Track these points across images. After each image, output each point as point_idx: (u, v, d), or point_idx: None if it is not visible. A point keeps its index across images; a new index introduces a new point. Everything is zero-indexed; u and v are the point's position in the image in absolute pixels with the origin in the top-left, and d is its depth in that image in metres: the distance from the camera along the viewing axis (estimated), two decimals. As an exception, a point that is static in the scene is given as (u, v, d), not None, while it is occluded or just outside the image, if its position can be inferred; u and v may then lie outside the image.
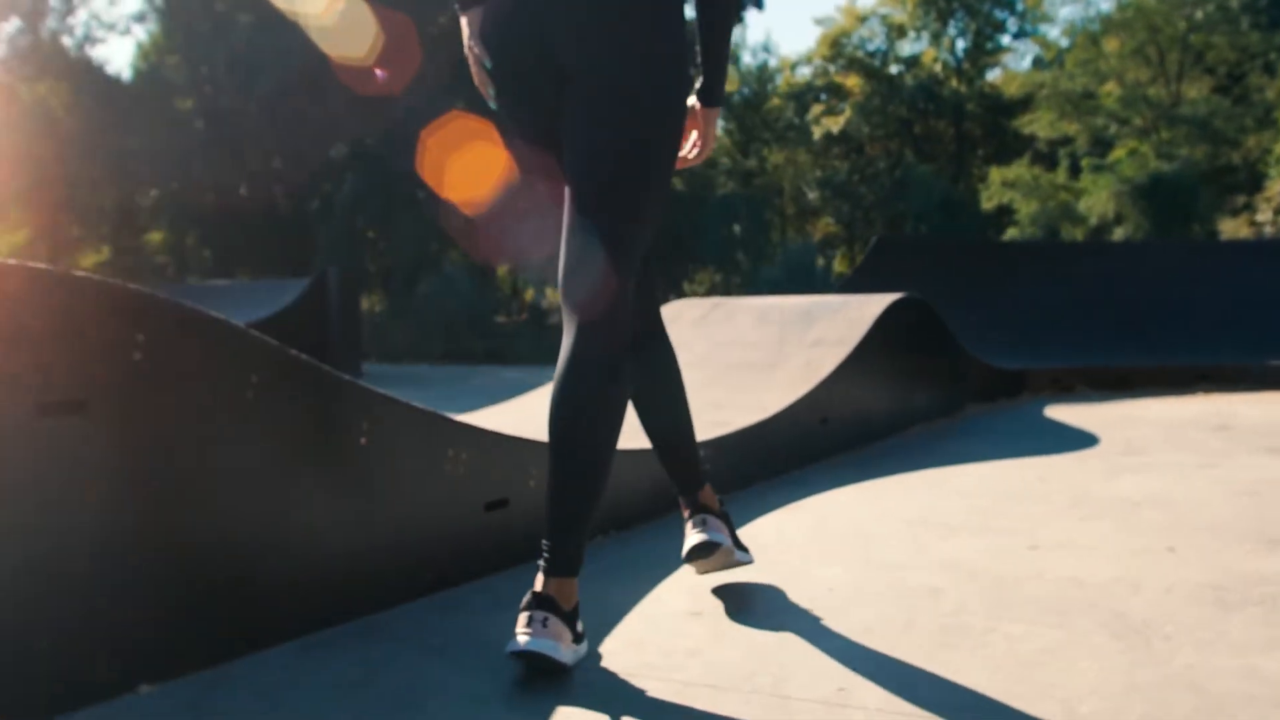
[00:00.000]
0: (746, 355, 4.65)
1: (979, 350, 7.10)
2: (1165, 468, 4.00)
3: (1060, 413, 6.03)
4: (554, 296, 24.77)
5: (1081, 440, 4.85)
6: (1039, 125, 29.74)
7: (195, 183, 29.34)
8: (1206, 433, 5.02)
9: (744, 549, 2.48)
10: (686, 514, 2.42)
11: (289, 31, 23.10)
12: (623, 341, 1.97)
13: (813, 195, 52.73)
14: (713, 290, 30.43)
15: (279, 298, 10.29)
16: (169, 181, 29.48)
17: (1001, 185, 31.63)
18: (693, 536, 2.35)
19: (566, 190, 2.02)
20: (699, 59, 2.19)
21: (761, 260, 24.21)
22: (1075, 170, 30.39)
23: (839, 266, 64.93)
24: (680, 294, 63.61)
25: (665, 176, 2.00)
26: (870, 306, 4.95)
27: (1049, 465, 4.18)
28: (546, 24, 1.95)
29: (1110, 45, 29.92)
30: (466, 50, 2.17)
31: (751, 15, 34.44)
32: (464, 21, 2.14)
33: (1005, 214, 31.98)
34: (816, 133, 49.77)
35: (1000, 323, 8.02)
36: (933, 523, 3.06)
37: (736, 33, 52.71)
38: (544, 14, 1.95)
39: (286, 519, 2.00)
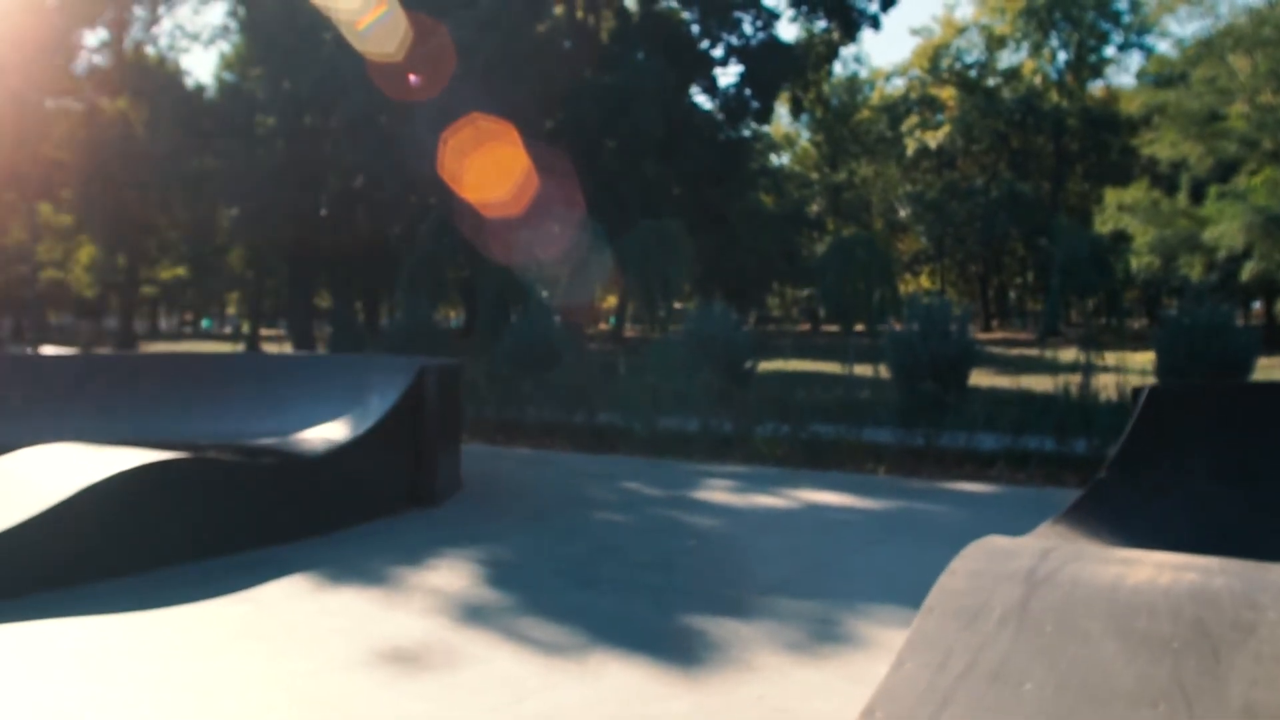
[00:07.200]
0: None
1: None
2: None
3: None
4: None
5: None
6: (1160, 146, 27.95)
7: (275, 202, 28.54)
8: None
9: None
10: None
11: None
12: None
13: (904, 213, 50.58)
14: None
15: (386, 390, 9.19)
16: (249, 200, 28.74)
17: (1117, 209, 29.69)
18: None
19: None
20: None
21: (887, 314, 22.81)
22: (1196, 195, 28.51)
23: (925, 283, 63.18)
24: (763, 314, 60.61)
25: None
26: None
27: None
28: None
29: (1240, 64, 28.00)
30: None
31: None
32: None
33: (1121, 240, 30.22)
34: (910, 145, 47.60)
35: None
36: None
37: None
38: None
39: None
